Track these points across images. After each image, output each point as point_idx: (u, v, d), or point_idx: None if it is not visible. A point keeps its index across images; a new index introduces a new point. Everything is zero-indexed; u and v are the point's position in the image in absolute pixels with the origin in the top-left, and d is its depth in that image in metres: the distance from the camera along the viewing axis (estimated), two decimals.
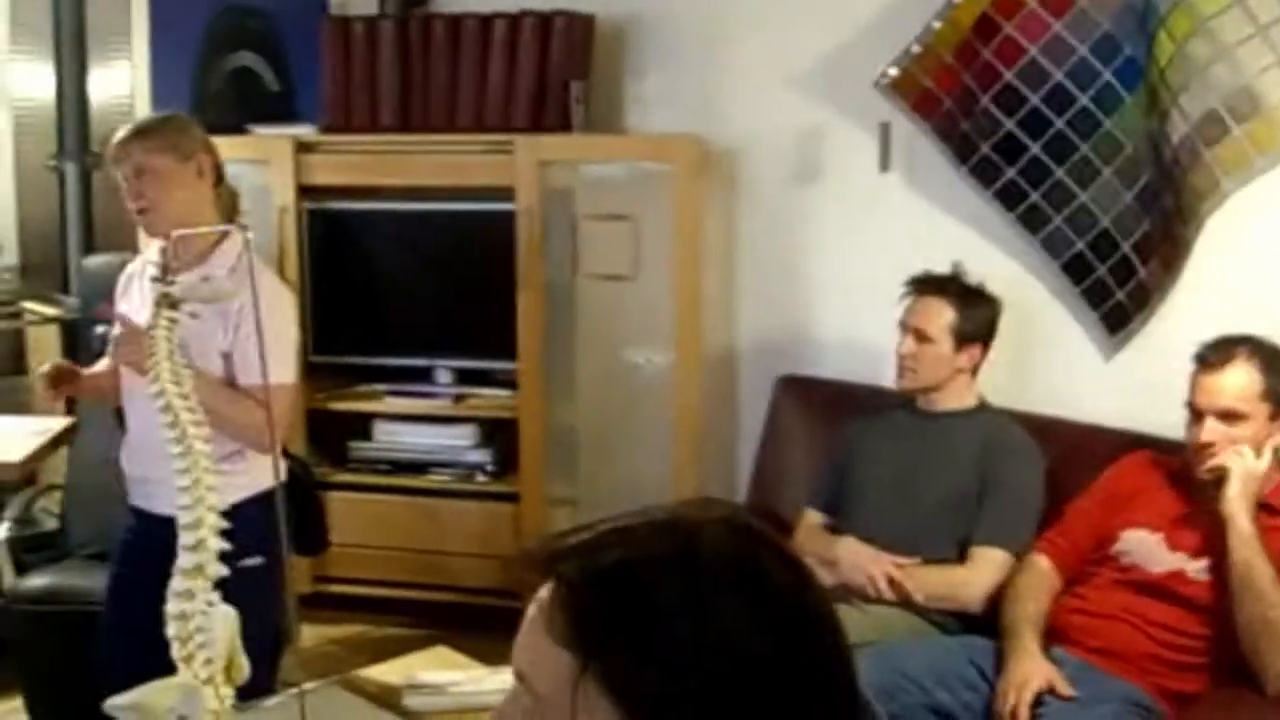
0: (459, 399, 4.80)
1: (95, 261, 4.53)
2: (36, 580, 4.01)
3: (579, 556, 1.20)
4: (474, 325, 4.78)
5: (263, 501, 3.19)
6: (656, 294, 4.58)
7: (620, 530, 1.22)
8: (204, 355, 3.13)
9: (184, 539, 2.64)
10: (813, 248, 4.59)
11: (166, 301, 2.59)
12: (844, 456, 3.85)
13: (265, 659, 3.08)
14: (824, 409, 4.26)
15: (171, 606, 2.62)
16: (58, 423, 3.73)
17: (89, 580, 3.82)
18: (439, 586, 4.71)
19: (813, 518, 3.84)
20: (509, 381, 4.72)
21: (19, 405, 4.72)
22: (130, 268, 3.48)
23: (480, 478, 4.74)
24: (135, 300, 3.33)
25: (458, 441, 4.75)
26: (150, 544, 3.27)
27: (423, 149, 4.71)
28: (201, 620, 2.61)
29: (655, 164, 4.59)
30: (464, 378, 4.83)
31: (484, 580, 4.69)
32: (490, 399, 4.78)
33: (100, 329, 4.35)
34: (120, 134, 3.26)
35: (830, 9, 4.42)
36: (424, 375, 4.86)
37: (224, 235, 3.26)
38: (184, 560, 2.65)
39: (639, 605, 1.16)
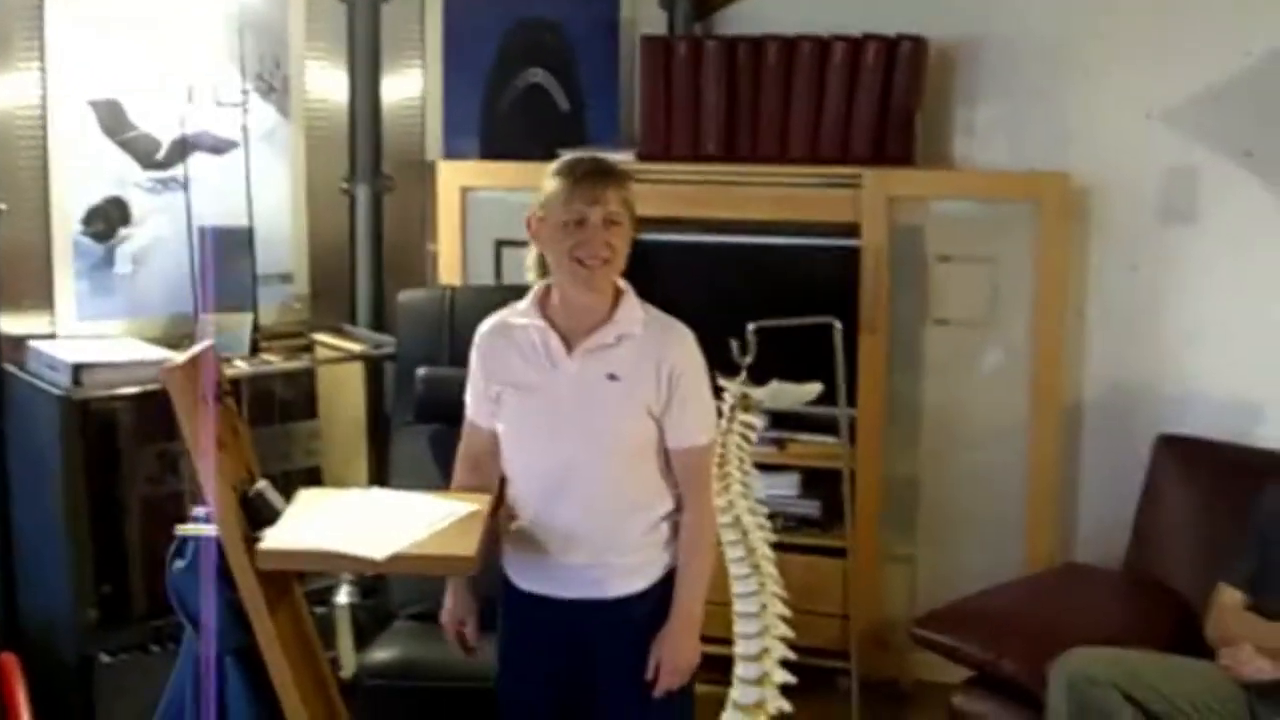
0: (781, 445, 4.48)
1: (413, 296, 4.25)
2: (382, 654, 3.70)
3: None
4: (804, 368, 4.46)
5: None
6: (1012, 341, 4.30)
7: None
8: (632, 416, 2.86)
9: (744, 671, 2.39)
10: (1178, 293, 4.30)
11: (744, 404, 2.31)
12: (1267, 528, 3.57)
13: None
14: (1210, 472, 3.99)
15: None
16: (465, 507, 3.03)
17: (432, 651, 3.51)
18: None
19: (1231, 596, 3.56)
20: (836, 428, 4.43)
21: (312, 451, 4.44)
22: (491, 321, 3.00)
23: (805, 530, 4.45)
24: (519, 363, 2.95)
25: (780, 491, 4.43)
26: (560, 632, 2.98)
27: (754, 180, 4.41)
28: None
29: (1008, 202, 4.28)
30: (786, 423, 4.49)
31: (810, 639, 4.39)
32: (817, 446, 4.45)
33: (423, 370, 4.06)
34: (585, 168, 2.85)
35: (1204, 39, 4.19)
36: None
37: (620, 290, 2.97)
38: (742, 695, 2.40)
39: None
